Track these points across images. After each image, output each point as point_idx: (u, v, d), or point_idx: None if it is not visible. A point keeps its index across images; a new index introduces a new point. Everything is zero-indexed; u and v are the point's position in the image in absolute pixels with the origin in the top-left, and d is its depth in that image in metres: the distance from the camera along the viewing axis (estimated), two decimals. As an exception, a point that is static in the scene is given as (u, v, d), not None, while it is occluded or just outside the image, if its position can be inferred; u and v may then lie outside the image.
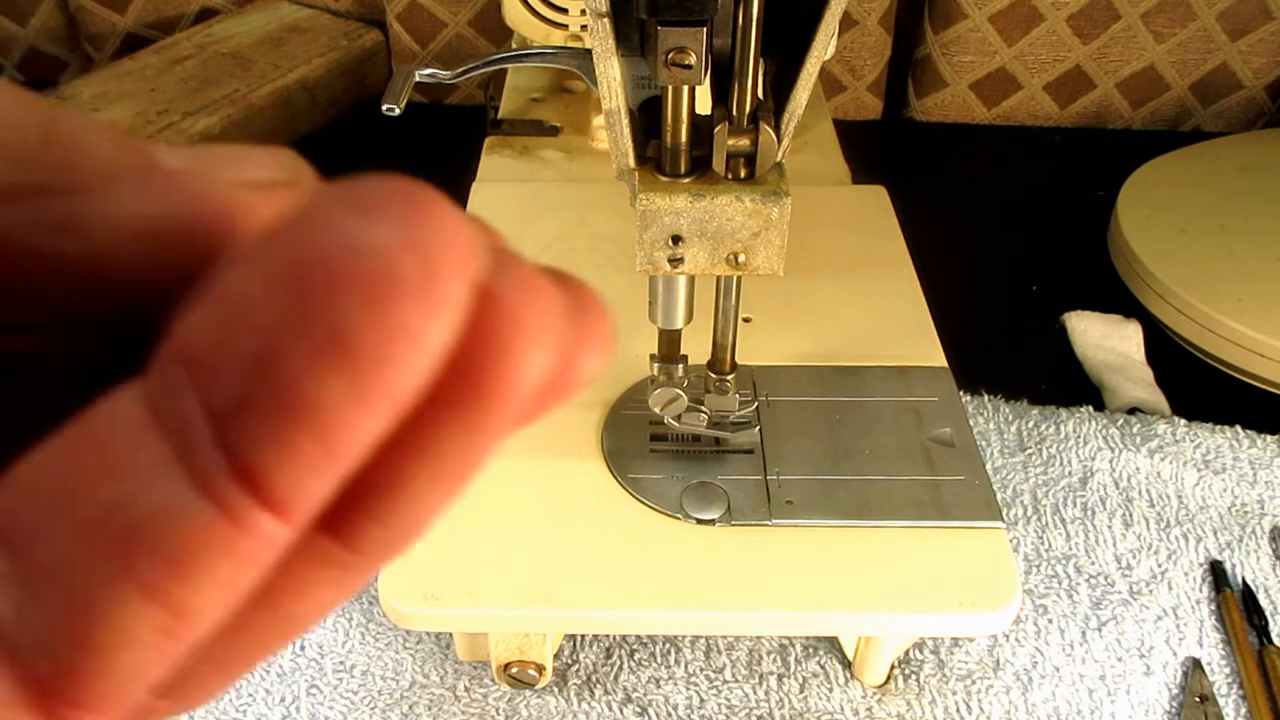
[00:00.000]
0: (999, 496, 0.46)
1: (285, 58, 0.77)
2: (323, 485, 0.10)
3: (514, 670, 0.41)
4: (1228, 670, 0.43)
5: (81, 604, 0.10)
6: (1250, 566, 0.47)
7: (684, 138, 0.33)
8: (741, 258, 0.34)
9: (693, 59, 0.29)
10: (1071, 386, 0.57)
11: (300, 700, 0.42)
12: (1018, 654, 0.43)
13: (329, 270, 0.09)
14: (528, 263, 0.11)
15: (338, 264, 0.09)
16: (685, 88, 0.32)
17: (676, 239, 0.34)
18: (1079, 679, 0.42)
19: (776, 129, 0.32)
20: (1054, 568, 0.46)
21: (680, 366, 0.40)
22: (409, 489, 0.10)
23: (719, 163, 0.33)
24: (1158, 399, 0.55)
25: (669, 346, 0.40)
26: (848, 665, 0.43)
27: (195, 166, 0.12)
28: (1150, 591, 0.46)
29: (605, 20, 0.30)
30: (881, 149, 0.80)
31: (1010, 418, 0.53)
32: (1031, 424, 0.53)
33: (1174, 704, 0.42)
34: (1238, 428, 0.52)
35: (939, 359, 0.47)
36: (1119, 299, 0.61)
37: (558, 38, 0.60)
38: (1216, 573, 0.46)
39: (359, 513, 0.11)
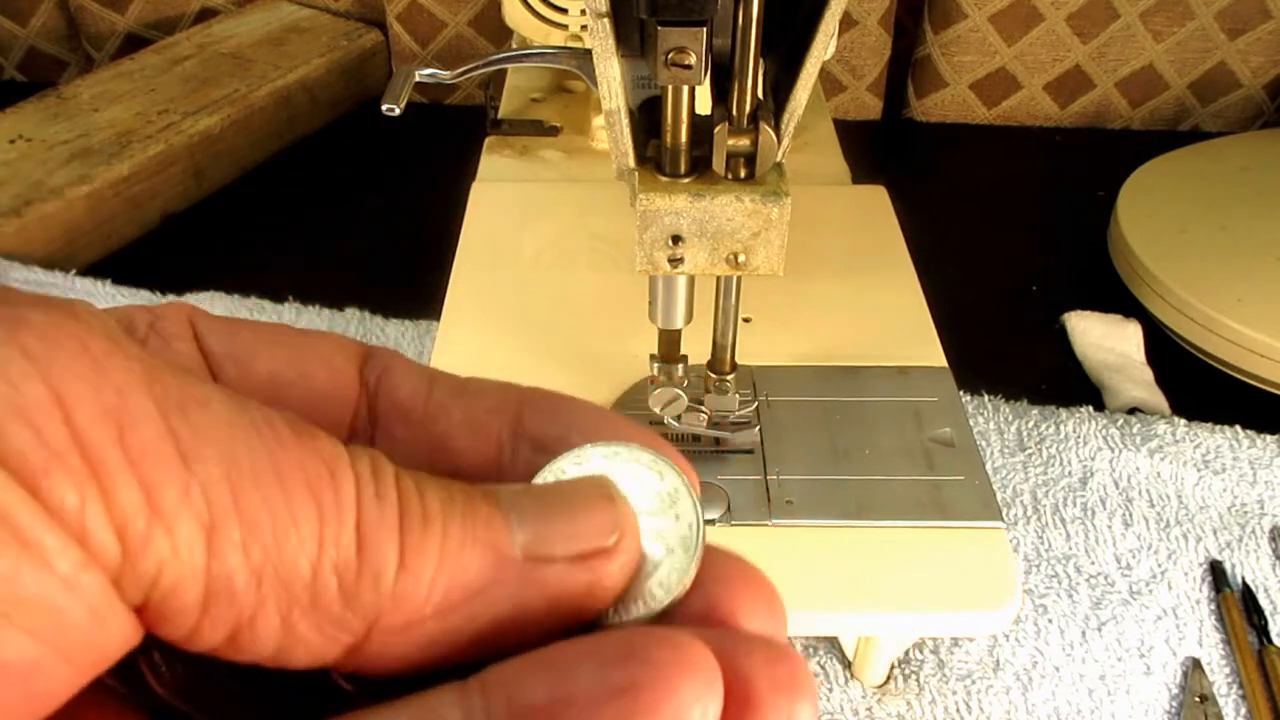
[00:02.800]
0: (999, 496, 0.46)
1: (285, 58, 0.77)
2: None
3: (514, 670, 0.41)
4: (1228, 670, 0.43)
5: None
6: (1250, 566, 0.47)
7: (684, 138, 0.33)
8: (741, 258, 0.34)
9: (693, 59, 0.29)
10: (1071, 386, 0.57)
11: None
12: (1018, 654, 0.43)
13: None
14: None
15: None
16: (685, 88, 0.32)
17: (676, 239, 0.34)
18: (1079, 679, 0.42)
19: (776, 129, 0.32)
20: (1054, 568, 0.46)
21: (680, 366, 0.40)
22: None
23: (719, 163, 0.33)
24: (1158, 399, 0.55)
25: (669, 346, 0.40)
26: (848, 665, 0.43)
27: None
28: (1150, 591, 0.46)
29: (605, 20, 0.30)
30: (881, 149, 0.80)
31: (1010, 418, 0.53)
32: (1031, 424, 0.53)
33: (1174, 704, 0.42)
34: (1238, 428, 0.52)
35: (939, 359, 0.47)
36: (1119, 299, 0.61)
37: (558, 38, 0.60)
38: (1216, 573, 0.46)
39: None
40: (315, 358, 0.17)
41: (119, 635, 0.13)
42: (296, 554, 0.13)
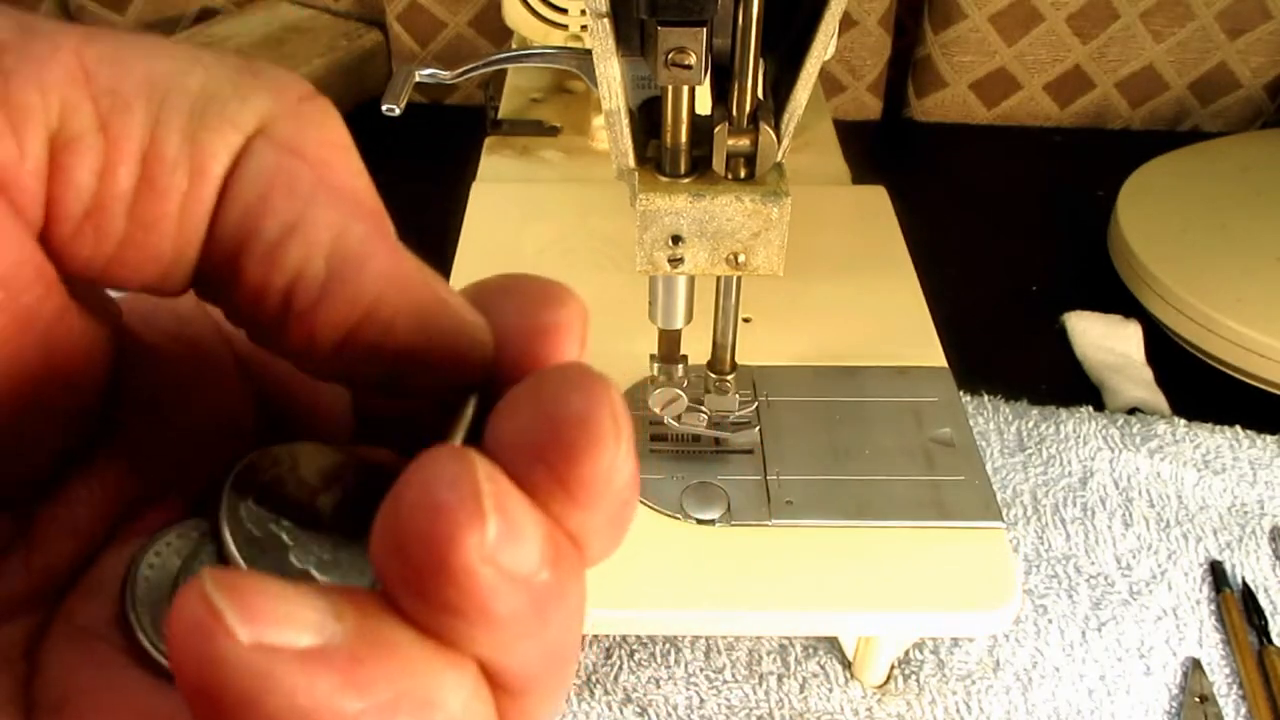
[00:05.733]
0: (999, 496, 0.46)
1: (285, 58, 0.77)
2: None
3: (514, 670, 0.41)
4: (1228, 670, 0.43)
5: None
6: (1250, 566, 0.47)
7: (684, 138, 0.33)
8: (741, 258, 0.34)
9: (693, 59, 0.29)
10: (1071, 386, 0.57)
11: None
12: (1018, 654, 0.43)
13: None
14: None
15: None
16: (685, 88, 0.32)
17: (676, 239, 0.34)
18: (1079, 679, 0.42)
19: (776, 129, 0.32)
20: (1054, 568, 0.46)
21: (680, 366, 0.40)
22: None
23: (719, 163, 0.33)
24: (1158, 399, 0.55)
25: (669, 346, 0.40)
26: (848, 665, 0.43)
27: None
28: (1150, 591, 0.46)
29: (605, 20, 0.30)
30: (881, 149, 0.80)
31: (1010, 418, 0.53)
32: (1031, 424, 0.53)
33: (1174, 704, 0.42)
34: (1238, 428, 0.52)
35: (939, 359, 0.47)
36: (1119, 299, 0.61)
37: (558, 38, 0.60)
38: (1216, 573, 0.46)
39: None
40: None
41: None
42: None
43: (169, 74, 0.13)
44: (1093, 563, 0.47)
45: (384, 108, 0.41)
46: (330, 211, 0.13)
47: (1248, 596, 0.45)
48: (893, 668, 0.43)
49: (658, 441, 0.42)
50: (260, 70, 0.13)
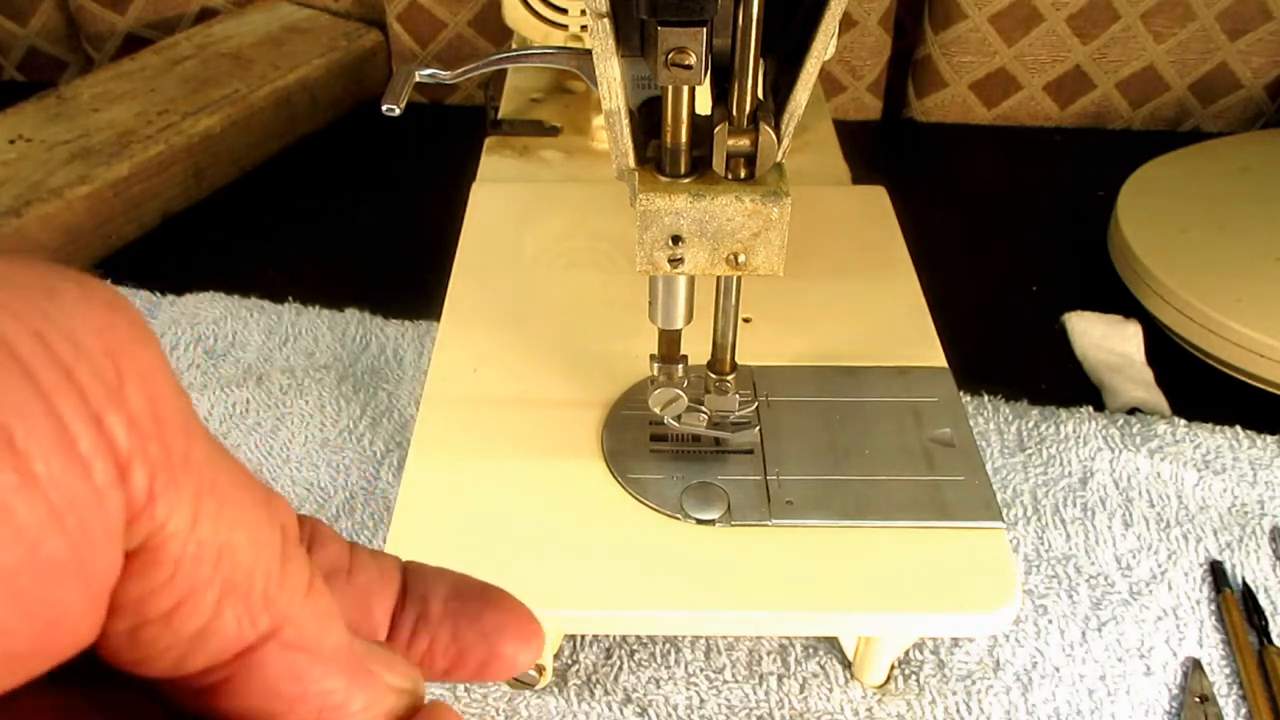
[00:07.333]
0: (999, 496, 0.46)
1: (285, 58, 0.77)
2: None
3: (514, 670, 0.41)
4: (1228, 670, 0.43)
5: None
6: (1250, 566, 0.47)
7: (684, 138, 0.33)
8: (741, 258, 0.34)
9: (693, 59, 0.29)
10: (1071, 386, 0.57)
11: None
12: (1018, 654, 0.43)
13: None
14: None
15: None
16: (685, 88, 0.32)
17: (676, 239, 0.34)
18: (1079, 679, 0.42)
19: (776, 129, 0.32)
20: (1054, 568, 0.46)
21: (680, 366, 0.40)
22: None
23: (719, 163, 0.33)
24: (1158, 399, 0.55)
25: (669, 347, 0.40)
26: (848, 665, 0.43)
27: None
28: (1150, 591, 0.46)
29: (605, 20, 0.30)
30: (881, 149, 0.80)
31: (1010, 418, 0.53)
32: (1031, 424, 0.53)
33: (1174, 704, 0.42)
34: (1238, 428, 0.52)
35: (939, 359, 0.47)
36: (1119, 299, 0.61)
37: (558, 38, 0.60)
38: (1216, 573, 0.46)
39: None
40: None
41: (112, 567, 0.14)
42: (242, 544, 0.15)
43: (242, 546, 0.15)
44: (1093, 563, 0.47)
45: (384, 108, 0.41)
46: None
47: (1248, 596, 0.45)
48: (893, 668, 0.43)
49: (658, 441, 0.42)
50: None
